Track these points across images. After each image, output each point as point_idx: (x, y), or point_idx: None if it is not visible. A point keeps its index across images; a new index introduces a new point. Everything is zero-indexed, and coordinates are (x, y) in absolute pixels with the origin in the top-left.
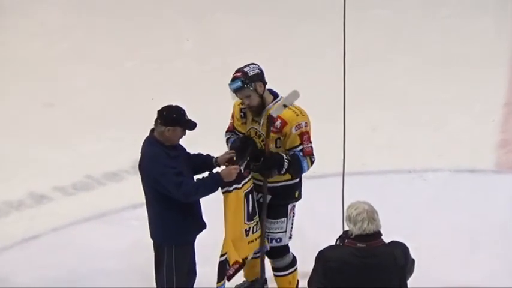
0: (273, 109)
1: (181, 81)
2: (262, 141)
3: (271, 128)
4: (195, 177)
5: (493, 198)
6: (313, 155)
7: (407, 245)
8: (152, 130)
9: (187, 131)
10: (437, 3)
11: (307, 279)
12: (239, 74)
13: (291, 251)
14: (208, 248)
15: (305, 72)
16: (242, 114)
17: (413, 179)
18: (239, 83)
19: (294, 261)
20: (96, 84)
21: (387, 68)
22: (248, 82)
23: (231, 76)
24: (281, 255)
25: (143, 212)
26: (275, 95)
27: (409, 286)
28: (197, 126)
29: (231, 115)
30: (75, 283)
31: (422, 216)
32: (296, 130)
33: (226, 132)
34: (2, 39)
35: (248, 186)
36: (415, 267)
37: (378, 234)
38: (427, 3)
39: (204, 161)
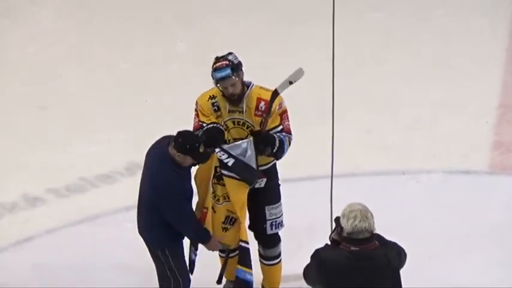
0: (279, 86)
1: (175, 83)
2: (247, 128)
3: (256, 112)
4: None
5: (487, 200)
6: (291, 133)
7: (401, 245)
8: (165, 140)
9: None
10: (431, 5)
11: (299, 282)
12: (226, 62)
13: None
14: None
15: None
16: (215, 108)
17: (407, 180)
18: (228, 71)
19: (281, 250)
20: (90, 86)
21: (381, 70)
22: (236, 69)
23: (215, 65)
24: (277, 244)
25: (136, 214)
26: (247, 84)
27: (403, 286)
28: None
29: (195, 114)
30: (69, 285)
31: (416, 217)
32: (279, 109)
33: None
34: None
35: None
36: (406, 262)
37: (370, 238)
38: (421, 5)
39: None
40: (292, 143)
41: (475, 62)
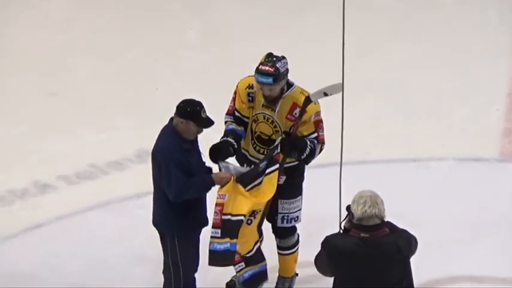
0: (312, 94)
1: (185, 71)
2: (275, 127)
3: (289, 116)
4: None
5: (497, 187)
6: (324, 143)
7: (412, 233)
8: (171, 119)
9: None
10: None
11: (310, 268)
12: (272, 70)
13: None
14: None
15: (308, 62)
16: (250, 98)
17: (417, 168)
18: (270, 81)
19: (298, 238)
20: (100, 73)
21: (390, 58)
22: (279, 79)
23: (261, 66)
24: (292, 234)
25: (147, 201)
26: (290, 84)
27: (413, 274)
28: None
29: (232, 98)
30: (79, 272)
31: (426, 204)
32: (313, 118)
33: (226, 115)
34: (5, 30)
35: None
36: (417, 249)
37: (380, 224)
38: None
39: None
40: (322, 151)
41: (485, 50)
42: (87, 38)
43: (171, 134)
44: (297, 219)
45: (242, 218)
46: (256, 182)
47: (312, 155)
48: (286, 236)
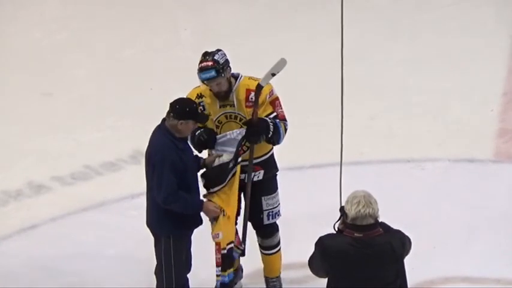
0: (262, 79)
1: (179, 71)
2: (240, 120)
3: (247, 104)
4: None
5: (492, 188)
6: (286, 120)
7: (406, 233)
8: (163, 120)
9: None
10: None
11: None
12: (211, 63)
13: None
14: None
15: (304, 63)
16: (201, 108)
17: (412, 168)
18: (213, 73)
19: (280, 238)
20: (95, 73)
21: (386, 58)
22: (221, 70)
23: (200, 64)
24: (274, 233)
25: (141, 202)
26: (236, 76)
27: (407, 275)
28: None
29: None
30: (73, 273)
31: (420, 205)
32: (269, 97)
33: None
34: (1, 29)
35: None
36: (411, 249)
37: (374, 224)
38: None
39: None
40: (288, 129)
41: (480, 50)
42: (82, 38)
43: (165, 135)
44: (279, 213)
45: (232, 245)
46: (224, 184)
47: (277, 133)
48: (272, 234)
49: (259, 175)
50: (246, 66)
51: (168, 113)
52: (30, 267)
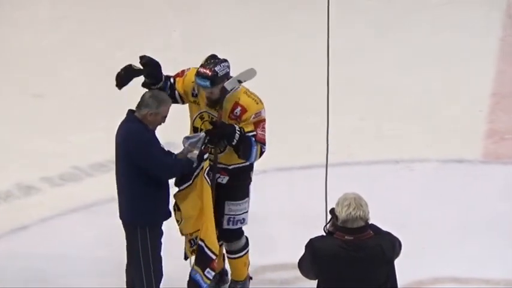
0: (227, 82)
1: (170, 72)
2: (210, 123)
3: (231, 115)
4: None
5: (481, 189)
6: (264, 144)
7: (395, 235)
8: (131, 112)
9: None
10: None
11: (294, 271)
12: (209, 74)
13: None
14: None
15: (294, 64)
16: (194, 93)
17: (401, 169)
18: (208, 84)
19: (247, 242)
20: (85, 75)
21: (375, 58)
22: (216, 83)
23: (200, 69)
24: (239, 237)
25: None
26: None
27: (397, 276)
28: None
29: (180, 73)
30: (63, 274)
31: (410, 206)
32: (254, 118)
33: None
34: None
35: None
36: (401, 251)
37: (365, 227)
38: None
39: None
40: (264, 153)
41: (469, 51)
42: (74, 39)
43: (138, 124)
44: (243, 221)
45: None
46: (189, 182)
47: (246, 148)
48: (233, 239)
49: (223, 179)
50: (236, 67)
51: (139, 104)
52: (20, 268)
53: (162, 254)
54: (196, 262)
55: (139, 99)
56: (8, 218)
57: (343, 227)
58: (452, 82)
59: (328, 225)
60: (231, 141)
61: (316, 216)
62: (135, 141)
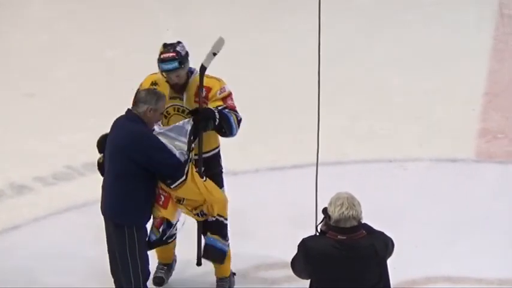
0: (204, 60)
1: None
2: (187, 115)
3: (196, 99)
4: None
5: (474, 188)
6: (237, 111)
7: (388, 234)
8: (129, 111)
9: None
10: None
11: (287, 270)
12: (173, 54)
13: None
14: None
15: (286, 64)
16: None
17: (394, 168)
18: (176, 64)
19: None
20: (77, 74)
21: (368, 58)
22: (183, 62)
23: (162, 55)
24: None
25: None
26: (191, 71)
27: (390, 275)
28: None
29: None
30: (56, 273)
31: (402, 205)
32: (220, 94)
33: None
34: None
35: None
36: (394, 250)
37: (358, 227)
38: None
39: None
40: (241, 122)
41: (462, 50)
42: (65, 39)
43: (137, 122)
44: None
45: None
46: (182, 178)
47: (227, 122)
48: (217, 233)
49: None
50: (227, 66)
51: (136, 102)
52: (12, 267)
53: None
54: (213, 232)
55: (132, 98)
56: (1, 217)
57: (336, 227)
58: (444, 81)
59: (320, 225)
60: (215, 121)
61: (308, 215)
62: (142, 145)
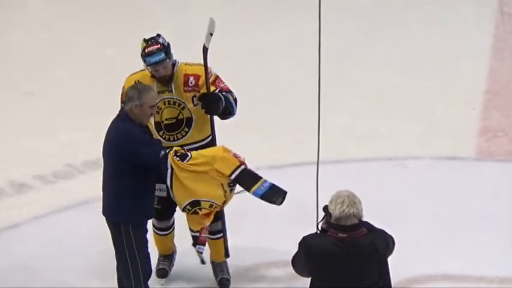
0: (205, 41)
1: None
2: (179, 106)
3: (186, 88)
4: None
5: (474, 186)
6: (231, 92)
7: (388, 232)
8: (120, 109)
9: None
10: None
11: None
12: (158, 46)
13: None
14: None
15: (286, 62)
16: None
17: (394, 166)
18: (163, 55)
19: (225, 224)
20: (77, 74)
21: (368, 57)
22: (168, 52)
23: (147, 49)
24: (218, 218)
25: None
26: (173, 63)
27: (391, 273)
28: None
29: (121, 95)
30: (56, 271)
31: (403, 203)
32: (209, 79)
33: None
34: None
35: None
36: (394, 248)
37: (358, 224)
38: None
39: None
40: (237, 101)
41: (462, 49)
42: (65, 38)
43: (126, 120)
44: None
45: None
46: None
47: (229, 103)
48: (214, 220)
49: None
50: (227, 65)
51: (125, 100)
52: (12, 265)
53: (149, 251)
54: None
55: None
56: (1, 216)
57: (337, 225)
58: (445, 80)
59: (321, 223)
60: (223, 103)
61: (308, 213)
62: (127, 142)
